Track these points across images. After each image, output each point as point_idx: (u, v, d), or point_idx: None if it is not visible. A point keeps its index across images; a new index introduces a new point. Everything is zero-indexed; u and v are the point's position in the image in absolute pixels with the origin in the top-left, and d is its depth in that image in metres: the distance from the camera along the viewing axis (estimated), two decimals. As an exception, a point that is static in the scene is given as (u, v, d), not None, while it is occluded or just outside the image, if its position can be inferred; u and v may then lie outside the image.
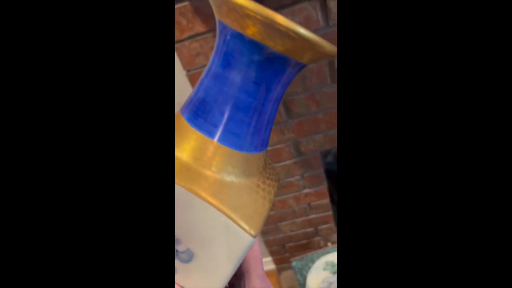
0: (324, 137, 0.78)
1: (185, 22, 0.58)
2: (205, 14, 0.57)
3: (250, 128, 0.18)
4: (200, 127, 0.18)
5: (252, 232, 0.17)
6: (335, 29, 0.61)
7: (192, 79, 0.66)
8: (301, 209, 0.94)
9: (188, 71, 0.64)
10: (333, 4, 0.58)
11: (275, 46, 0.15)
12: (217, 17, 0.17)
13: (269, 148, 0.79)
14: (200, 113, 0.18)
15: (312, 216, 0.96)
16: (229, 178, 0.18)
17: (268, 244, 1.04)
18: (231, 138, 0.18)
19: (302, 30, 0.14)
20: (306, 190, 0.89)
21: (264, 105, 0.18)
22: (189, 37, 0.60)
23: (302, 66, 0.17)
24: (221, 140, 0.18)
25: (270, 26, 0.14)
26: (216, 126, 0.17)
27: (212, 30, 0.59)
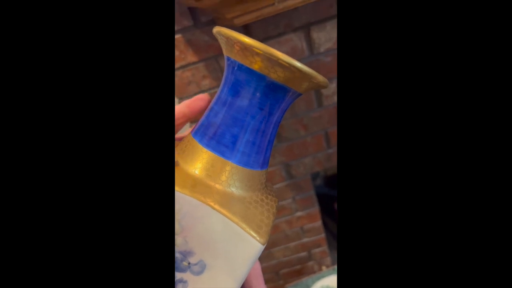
0: (313, 159, 0.80)
1: (177, 53, 0.61)
2: (196, 46, 0.60)
3: (255, 147, 0.20)
4: (213, 148, 0.20)
5: (261, 240, 0.18)
6: (320, 57, 0.65)
7: (184, 107, 0.68)
8: (294, 233, 0.94)
9: (180, 98, 0.66)
10: (316, 36, 0.63)
11: (277, 77, 0.18)
12: (226, 54, 0.20)
13: (260, 172, 0.80)
14: (213, 136, 0.20)
15: (305, 239, 0.96)
16: (238, 192, 0.20)
17: (261, 271, 1.02)
18: (240, 157, 0.20)
19: (299, 64, 0.17)
20: (298, 213, 0.90)
21: (267, 127, 0.20)
22: (181, 67, 0.62)
23: (298, 94, 0.20)
24: (231, 158, 0.20)
25: (273, 60, 0.17)
26: (227, 146, 0.20)
27: (203, 60, 0.62)
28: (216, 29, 0.19)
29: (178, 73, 0.63)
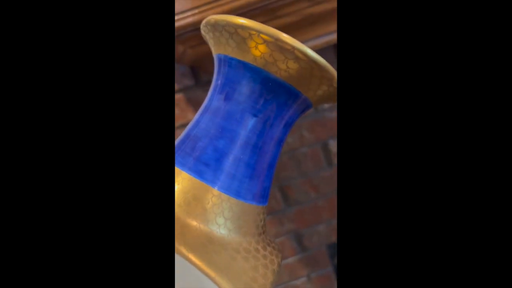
0: (327, 227, 0.71)
1: (178, 112, 0.60)
2: (197, 104, 0.60)
3: (249, 170, 0.15)
4: (188, 168, 0.14)
5: None
6: (325, 114, 0.63)
7: (183, 168, 0.64)
8: (312, 323, 0.78)
9: (179, 159, 0.63)
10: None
11: (278, 71, 0.13)
12: (215, 52, 0.16)
13: (268, 243, 0.70)
14: (190, 151, 0.15)
15: (327, 332, 0.78)
16: (220, 232, 0.13)
17: None
18: (225, 180, 0.14)
19: (309, 50, 0.13)
20: (315, 296, 0.75)
21: (266, 144, 0.15)
22: (182, 125, 0.61)
23: (305, 107, 0.16)
24: (212, 182, 0.14)
25: (275, 45, 0.13)
26: (208, 164, 0.14)
27: (205, 118, 0.61)
28: (204, 20, 0.15)
29: (178, 132, 0.61)
